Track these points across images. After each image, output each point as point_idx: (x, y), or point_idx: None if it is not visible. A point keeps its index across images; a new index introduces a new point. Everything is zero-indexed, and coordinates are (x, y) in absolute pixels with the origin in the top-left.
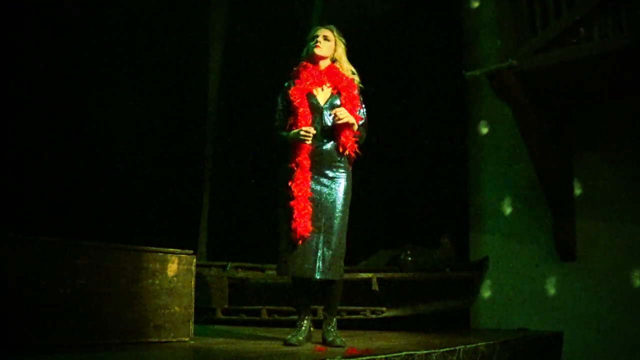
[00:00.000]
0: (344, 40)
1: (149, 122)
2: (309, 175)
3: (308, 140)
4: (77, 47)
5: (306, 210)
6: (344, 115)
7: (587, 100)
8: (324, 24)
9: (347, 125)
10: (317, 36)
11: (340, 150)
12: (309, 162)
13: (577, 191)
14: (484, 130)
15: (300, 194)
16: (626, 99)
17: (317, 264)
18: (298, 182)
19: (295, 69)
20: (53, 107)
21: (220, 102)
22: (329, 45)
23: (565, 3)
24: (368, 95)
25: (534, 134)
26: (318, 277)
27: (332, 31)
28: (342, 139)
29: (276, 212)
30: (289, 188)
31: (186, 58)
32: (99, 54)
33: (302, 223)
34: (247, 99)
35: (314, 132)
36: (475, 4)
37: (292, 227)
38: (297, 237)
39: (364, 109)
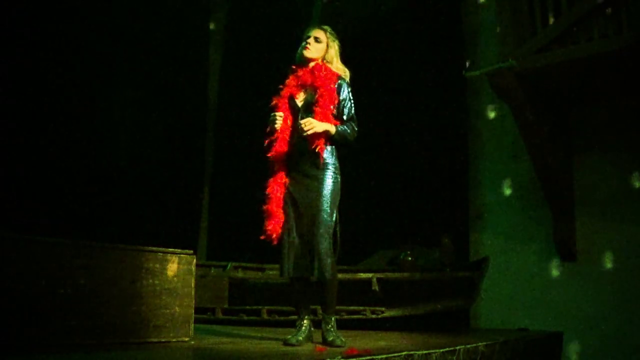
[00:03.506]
0: (337, 42)
1: (149, 123)
2: (283, 179)
3: (277, 124)
4: (77, 49)
5: (280, 213)
6: (309, 127)
7: (586, 100)
8: (321, 24)
9: (318, 134)
10: (309, 37)
11: (313, 147)
12: (283, 165)
13: (577, 191)
14: (484, 130)
15: (272, 197)
16: (626, 99)
17: (304, 264)
18: (270, 187)
19: (288, 78)
20: (54, 108)
21: (220, 103)
22: (318, 48)
23: (565, 3)
24: (364, 93)
25: (534, 134)
26: (305, 277)
27: (325, 32)
28: (314, 142)
29: None
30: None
31: (186, 59)
32: (100, 55)
33: (272, 226)
34: (247, 99)
35: (282, 115)
36: (476, 4)
37: (266, 228)
38: (271, 239)
39: (351, 101)
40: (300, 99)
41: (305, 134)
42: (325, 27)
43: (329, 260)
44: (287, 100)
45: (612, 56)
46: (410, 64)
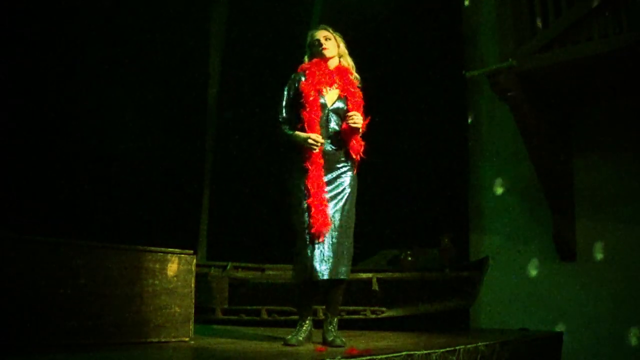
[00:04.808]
0: (341, 35)
1: (149, 122)
2: (323, 173)
3: (315, 149)
4: (76, 49)
5: (323, 206)
6: (360, 122)
7: (587, 100)
8: (319, 25)
9: (357, 131)
10: (318, 39)
11: (351, 152)
12: (321, 159)
13: (577, 191)
14: (484, 130)
15: (315, 190)
16: (626, 99)
17: (329, 265)
18: (313, 179)
19: (304, 64)
20: (53, 108)
21: (220, 102)
22: (332, 44)
23: (565, 3)
24: (366, 91)
25: (534, 134)
26: (329, 278)
27: (328, 30)
28: (353, 143)
29: (289, 215)
30: (304, 186)
31: (186, 58)
32: (99, 56)
33: (320, 219)
34: (247, 99)
35: (322, 141)
36: (475, 4)
37: (311, 223)
38: (316, 234)
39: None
40: (327, 97)
41: (354, 124)
42: (325, 25)
43: (349, 261)
44: (318, 95)
45: (612, 56)
46: (410, 64)
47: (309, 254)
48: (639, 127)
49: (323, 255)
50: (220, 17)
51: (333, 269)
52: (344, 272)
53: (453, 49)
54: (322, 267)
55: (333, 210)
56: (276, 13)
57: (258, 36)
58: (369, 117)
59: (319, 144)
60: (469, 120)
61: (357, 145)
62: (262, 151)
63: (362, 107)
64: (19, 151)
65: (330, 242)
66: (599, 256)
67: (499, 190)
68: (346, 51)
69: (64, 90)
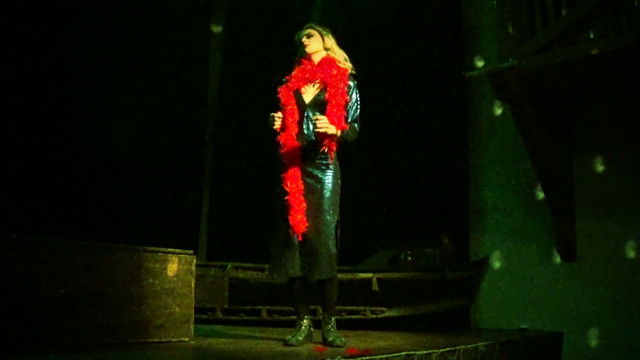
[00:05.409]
0: (328, 30)
1: (150, 123)
2: (300, 172)
3: (275, 125)
4: (77, 49)
5: (302, 205)
6: (323, 126)
7: (587, 100)
8: (321, 23)
9: (327, 136)
10: (301, 39)
11: (321, 146)
12: (299, 157)
13: (577, 191)
14: (484, 130)
15: (294, 187)
16: (626, 99)
17: (305, 264)
18: (290, 177)
19: (292, 67)
20: (54, 108)
21: (220, 103)
22: (315, 40)
23: (565, 3)
24: (366, 91)
25: (534, 134)
26: (302, 276)
27: (312, 27)
28: (321, 143)
29: (272, 212)
30: (281, 184)
31: (186, 59)
32: (100, 56)
33: (299, 219)
34: (247, 99)
35: (280, 116)
36: (475, 4)
37: (290, 223)
38: (294, 233)
39: (358, 103)
40: (307, 94)
41: (316, 129)
42: (309, 24)
43: (330, 261)
44: (293, 94)
45: (612, 56)
46: (410, 64)
47: (284, 253)
48: (639, 127)
49: (298, 254)
50: (220, 17)
51: (309, 269)
52: (320, 273)
53: (453, 48)
54: (297, 267)
55: (310, 208)
56: (276, 13)
57: (258, 36)
58: (354, 107)
59: (276, 117)
60: (469, 120)
61: (325, 144)
62: (261, 151)
63: (344, 94)
64: (19, 151)
65: (308, 240)
66: (599, 256)
67: (499, 190)
68: (334, 44)
69: (64, 90)
